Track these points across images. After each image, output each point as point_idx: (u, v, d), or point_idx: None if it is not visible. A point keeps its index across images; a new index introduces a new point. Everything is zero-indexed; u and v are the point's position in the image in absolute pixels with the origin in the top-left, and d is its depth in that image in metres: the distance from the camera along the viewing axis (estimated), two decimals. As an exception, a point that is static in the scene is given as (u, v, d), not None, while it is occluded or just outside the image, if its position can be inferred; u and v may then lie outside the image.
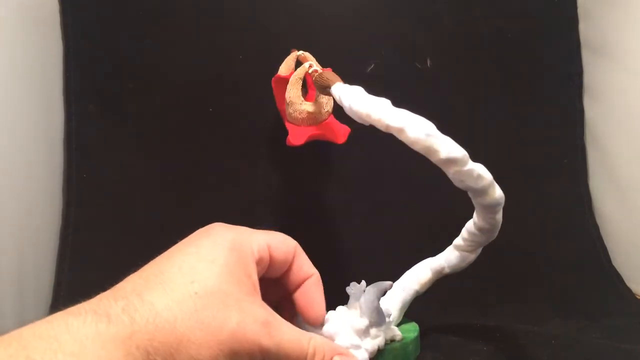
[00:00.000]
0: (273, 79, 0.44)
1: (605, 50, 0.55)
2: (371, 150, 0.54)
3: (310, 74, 0.42)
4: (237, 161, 0.54)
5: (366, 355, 0.32)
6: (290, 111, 0.43)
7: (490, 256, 0.54)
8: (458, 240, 0.38)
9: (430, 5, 0.56)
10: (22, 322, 0.22)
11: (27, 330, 0.21)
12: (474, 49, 0.57)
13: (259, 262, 0.28)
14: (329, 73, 0.40)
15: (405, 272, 0.41)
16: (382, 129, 0.30)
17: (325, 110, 0.44)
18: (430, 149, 0.29)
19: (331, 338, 0.31)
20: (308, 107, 0.43)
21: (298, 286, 0.31)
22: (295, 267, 0.31)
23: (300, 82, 0.43)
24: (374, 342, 0.33)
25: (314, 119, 0.43)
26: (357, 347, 0.32)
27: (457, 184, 0.31)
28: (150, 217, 0.52)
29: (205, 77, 0.53)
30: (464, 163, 0.30)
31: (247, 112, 0.53)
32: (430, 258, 0.40)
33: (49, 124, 0.51)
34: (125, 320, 0.22)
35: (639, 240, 0.53)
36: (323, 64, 0.44)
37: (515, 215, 0.56)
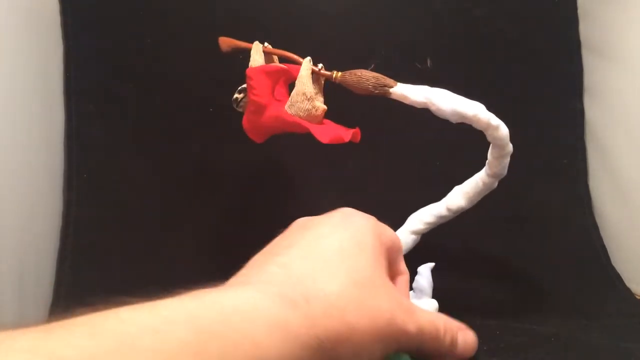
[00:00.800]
0: (261, 68, 0.41)
1: (605, 50, 0.55)
2: (371, 150, 0.54)
3: (322, 73, 0.41)
4: (236, 161, 0.54)
5: None
6: (309, 107, 0.40)
7: (490, 256, 0.54)
8: (416, 225, 0.41)
9: (430, 5, 0.56)
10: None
11: (215, 303, 0.21)
12: (474, 49, 0.57)
13: (386, 252, 0.29)
14: (374, 73, 0.40)
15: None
16: (481, 126, 0.36)
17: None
18: (509, 143, 0.37)
19: None
20: (322, 104, 0.41)
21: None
22: (396, 263, 0.32)
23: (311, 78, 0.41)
24: None
25: (322, 117, 0.42)
26: None
27: (504, 170, 0.39)
28: (150, 217, 0.52)
29: (205, 77, 0.53)
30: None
31: (247, 112, 0.53)
32: None
33: (49, 123, 0.51)
34: (306, 309, 0.23)
35: (639, 240, 0.53)
36: (323, 64, 0.44)
37: (515, 215, 0.56)
